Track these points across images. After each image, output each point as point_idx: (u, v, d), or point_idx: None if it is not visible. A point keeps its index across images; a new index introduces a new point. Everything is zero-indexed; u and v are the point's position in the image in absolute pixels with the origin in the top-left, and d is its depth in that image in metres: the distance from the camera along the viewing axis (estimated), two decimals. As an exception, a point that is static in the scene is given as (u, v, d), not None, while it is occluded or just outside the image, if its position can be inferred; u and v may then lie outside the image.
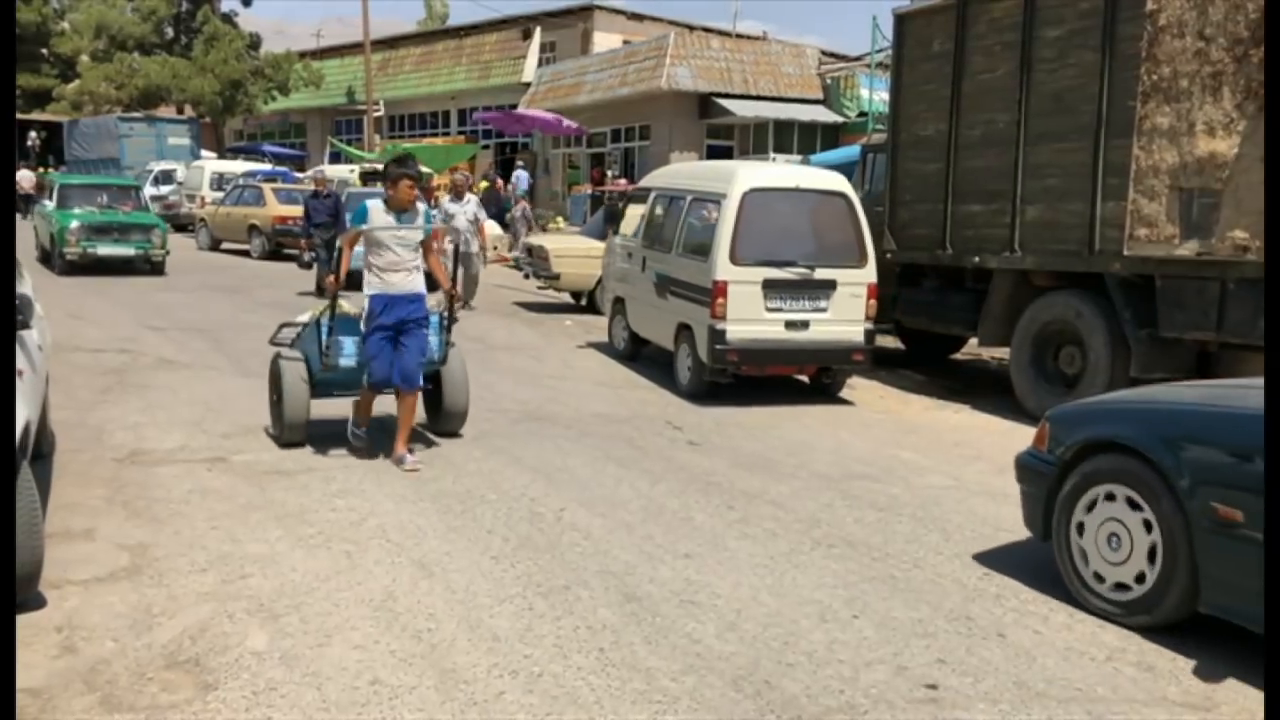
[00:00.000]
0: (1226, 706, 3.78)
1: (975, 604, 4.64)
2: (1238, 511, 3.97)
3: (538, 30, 34.18)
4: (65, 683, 3.64)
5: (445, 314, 7.11)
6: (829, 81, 28.14)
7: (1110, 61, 8.14)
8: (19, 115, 36.83)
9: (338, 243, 14.62)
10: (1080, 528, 4.62)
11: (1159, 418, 4.49)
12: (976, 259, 9.64)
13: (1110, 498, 4.50)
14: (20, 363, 4.74)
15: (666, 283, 9.59)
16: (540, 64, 33.47)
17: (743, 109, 26.66)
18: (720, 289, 8.59)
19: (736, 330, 8.61)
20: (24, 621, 4.09)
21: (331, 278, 6.85)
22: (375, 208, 6.61)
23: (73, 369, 8.96)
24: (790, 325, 8.77)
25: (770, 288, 8.68)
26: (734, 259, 8.60)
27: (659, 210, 10.22)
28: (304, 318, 7.20)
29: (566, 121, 26.93)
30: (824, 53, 30.18)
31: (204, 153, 32.26)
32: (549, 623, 4.26)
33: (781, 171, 10.95)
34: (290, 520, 5.44)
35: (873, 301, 9.01)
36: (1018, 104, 9.03)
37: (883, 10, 25.41)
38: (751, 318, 8.64)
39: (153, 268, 17.10)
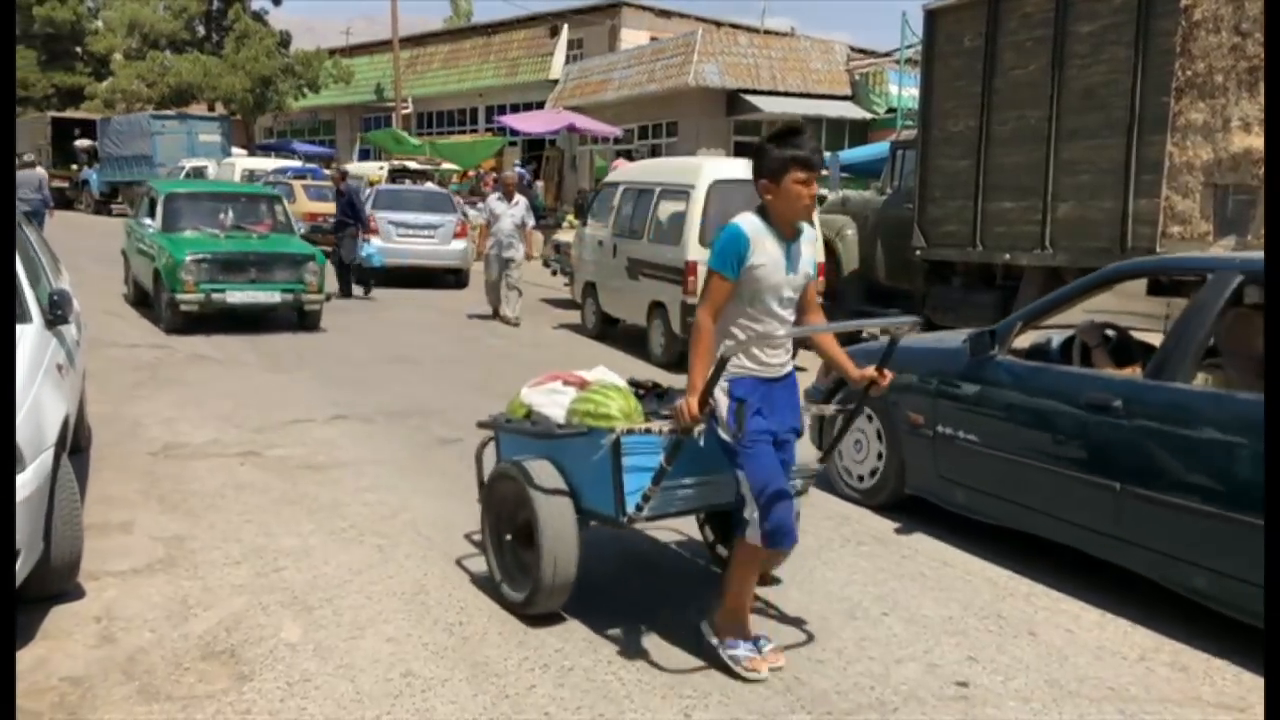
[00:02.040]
0: (1260, 708, 3.75)
1: (1006, 602, 4.63)
2: (920, 416, 5.52)
3: (565, 27, 34.20)
4: (104, 672, 3.71)
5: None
6: (857, 78, 28.00)
7: (1144, 57, 8.08)
8: (54, 114, 37.24)
9: (358, 242, 14.92)
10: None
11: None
12: (1007, 256, 9.59)
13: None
14: (59, 357, 4.82)
15: (639, 266, 10.75)
16: (568, 61, 33.50)
17: (770, 105, 26.57)
18: (691, 268, 9.60)
19: None
20: (64, 611, 4.17)
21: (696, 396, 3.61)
22: (757, 231, 3.77)
23: (108, 364, 9.07)
24: None
25: None
26: (703, 241, 9.52)
27: (628, 203, 11.28)
28: (563, 402, 4.34)
29: (605, 127, 26.93)
30: (852, 49, 30.02)
31: (235, 150, 32.52)
32: (579, 617, 4.27)
33: (741, 164, 12.48)
34: (322, 514, 5.49)
35: (820, 279, 9.44)
36: (1049, 100, 8.97)
37: (912, 6, 25.33)
38: None
39: (303, 319, 11.76)
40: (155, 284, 11.50)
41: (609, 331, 12.03)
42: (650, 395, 4.57)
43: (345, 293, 14.52)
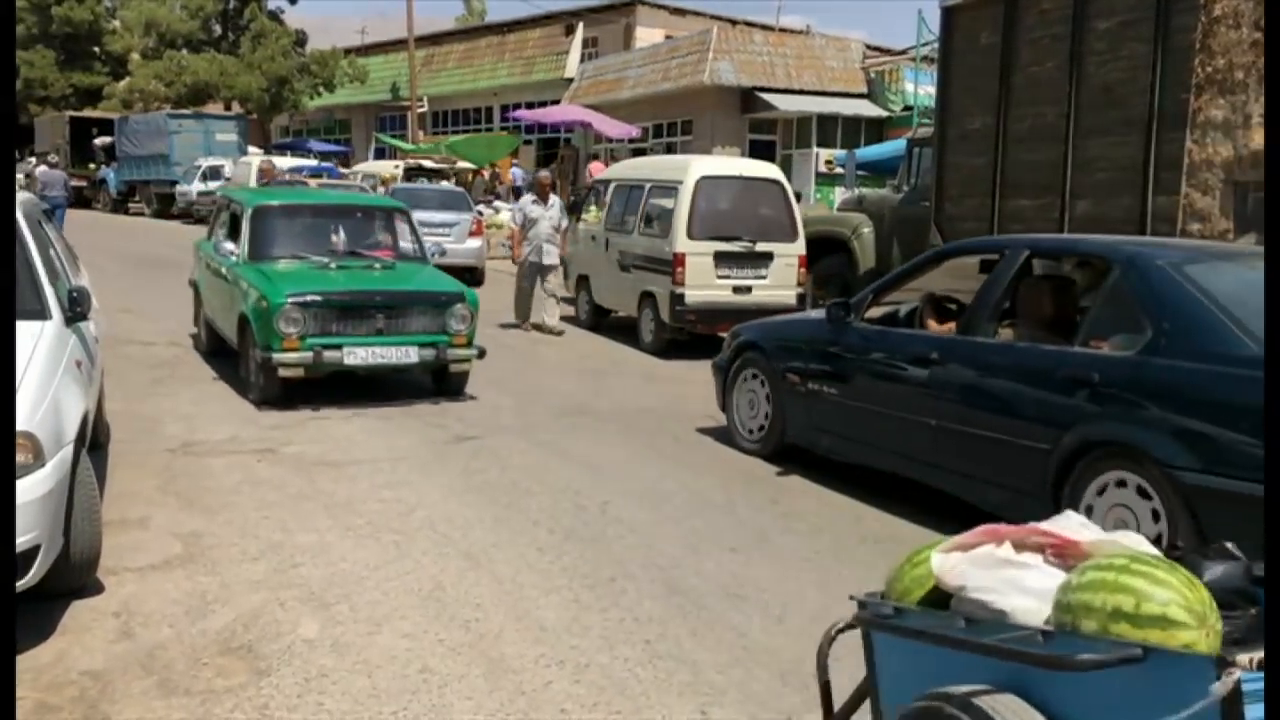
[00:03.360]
0: None
1: (1024, 601, 4.59)
2: (796, 376, 6.53)
3: (580, 26, 34.23)
4: (124, 666, 3.73)
5: None
6: (873, 75, 27.92)
7: (1163, 54, 8.02)
8: (72, 113, 37.45)
9: None
10: (735, 397, 7.01)
11: (771, 327, 7.19)
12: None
13: (751, 376, 6.95)
14: (78, 354, 4.85)
15: (629, 258, 11.20)
16: (583, 59, 33.52)
17: (786, 103, 26.52)
18: (679, 260, 10.26)
19: (693, 294, 10.31)
20: (83, 606, 4.20)
21: None
22: None
23: (126, 361, 9.12)
24: (737, 290, 10.50)
25: (720, 259, 10.39)
26: (690, 235, 10.28)
27: (620, 199, 11.76)
28: (1042, 585, 2.34)
29: (623, 126, 26.89)
30: (868, 46, 29.93)
31: (251, 149, 32.66)
32: (595, 614, 4.28)
33: (727, 162, 13.25)
34: (339, 511, 5.51)
35: (802, 270, 10.89)
36: (1067, 97, 8.91)
37: (928, 4, 25.22)
38: (705, 284, 10.34)
39: (443, 383, 8.43)
40: (241, 335, 8.19)
41: (601, 322, 12.43)
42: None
43: None
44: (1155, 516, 4.45)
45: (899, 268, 6.90)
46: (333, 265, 8.51)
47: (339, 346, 7.70)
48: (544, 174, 12.95)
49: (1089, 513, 4.51)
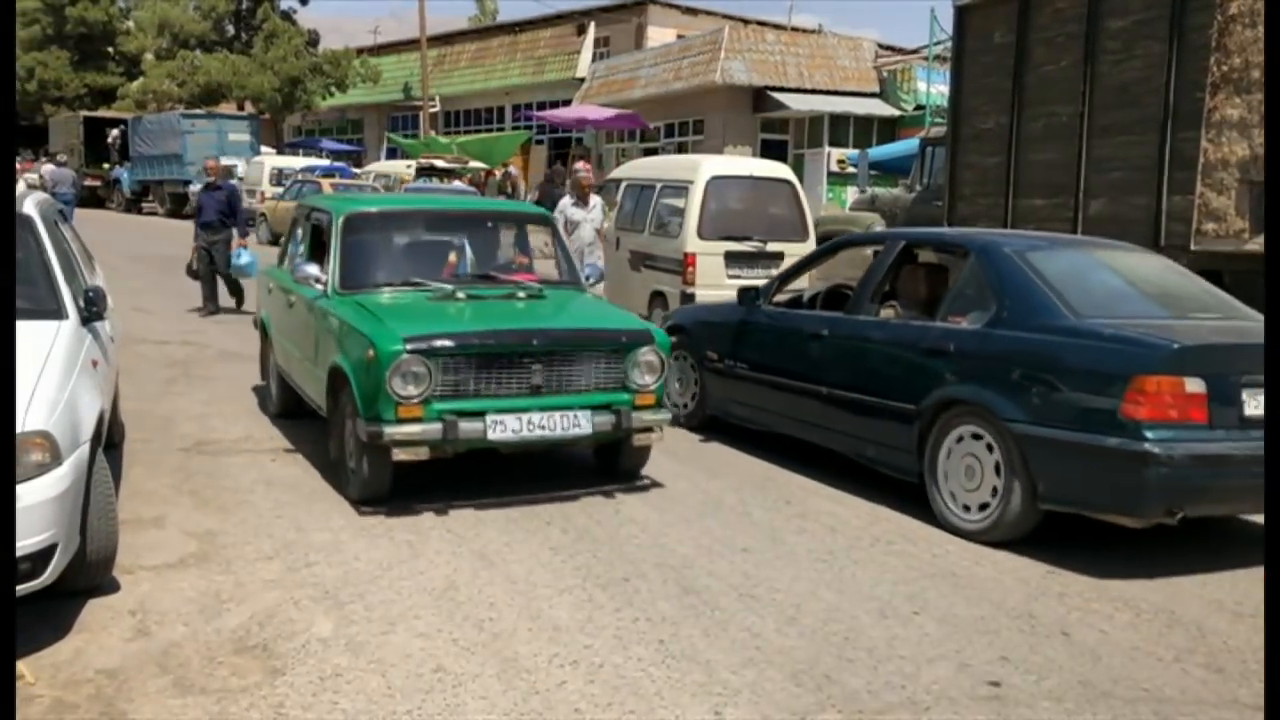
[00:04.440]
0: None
1: (1038, 602, 4.59)
2: (715, 354, 7.23)
3: (592, 25, 34.26)
4: (140, 665, 3.74)
5: None
6: (885, 74, 27.88)
7: (1178, 52, 8.00)
8: (86, 113, 37.64)
9: (233, 245, 12.05)
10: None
11: (696, 311, 8.11)
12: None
13: (681, 357, 7.46)
14: (95, 353, 4.87)
15: (640, 258, 11.16)
16: (594, 59, 33.56)
17: (797, 103, 26.50)
18: (690, 260, 10.23)
19: (704, 294, 10.13)
20: (99, 605, 4.21)
21: None
22: None
23: (140, 360, 9.16)
24: None
25: (730, 258, 10.36)
26: (701, 234, 10.25)
27: (630, 198, 11.75)
28: None
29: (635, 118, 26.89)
30: (880, 45, 29.91)
31: (263, 149, 32.79)
32: (609, 614, 4.28)
33: (738, 162, 13.15)
34: (353, 510, 5.52)
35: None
36: (1081, 96, 8.90)
37: (941, 3, 25.15)
38: (715, 283, 10.17)
39: (617, 460, 6.18)
40: (332, 398, 5.88)
41: None
42: None
43: (213, 307, 12.54)
44: (997, 469, 5.18)
45: (800, 259, 7.65)
46: (460, 295, 6.03)
47: (480, 413, 5.33)
48: (582, 173, 11.81)
49: (947, 459, 5.47)
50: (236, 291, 12.80)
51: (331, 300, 6.06)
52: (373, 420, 5.27)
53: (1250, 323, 5.51)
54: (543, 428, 5.43)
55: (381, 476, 5.45)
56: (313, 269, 6.34)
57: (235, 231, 12.41)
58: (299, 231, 7.48)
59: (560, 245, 7.05)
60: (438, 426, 5.26)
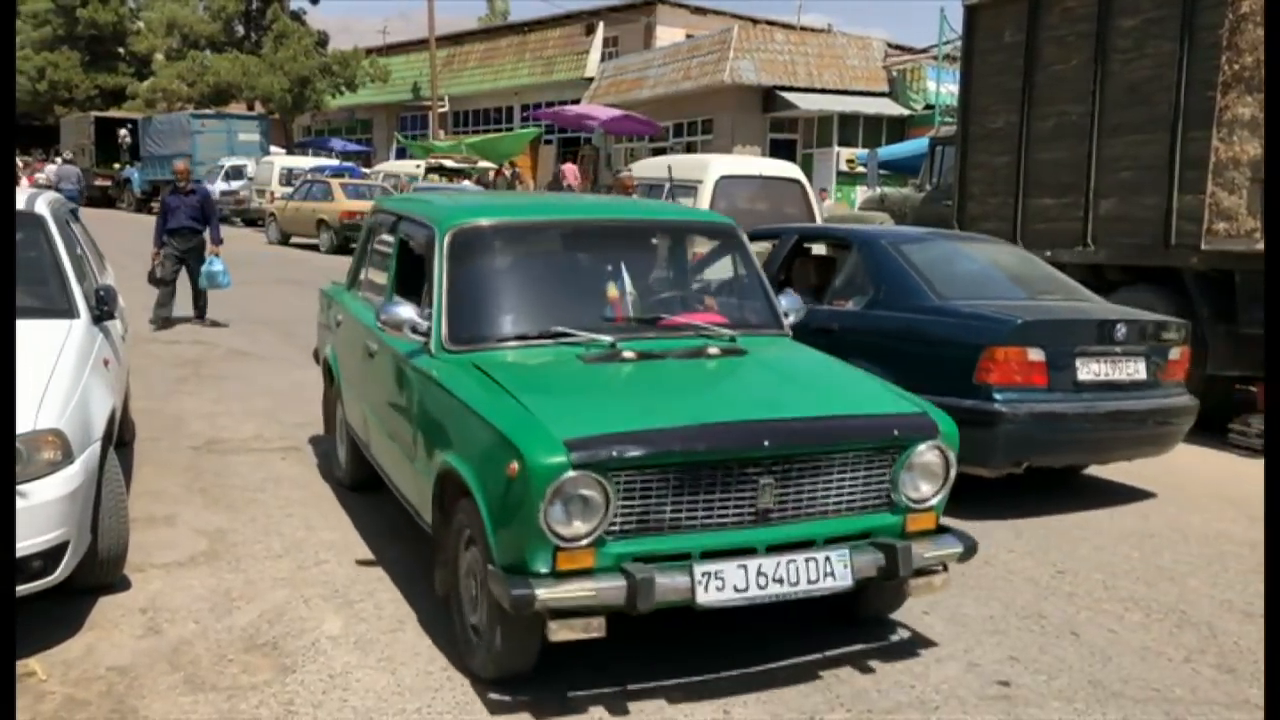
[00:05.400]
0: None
1: (1047, 602, 4.58)
2: None
3: (601, 25, 34.28)
4: (151, 662, 3.76)
5: None
6: (895, 74, 27.86)
7: (1189, 51, 7.96)
8: (97, 113, 37.79)
9: (205, 253, 10.92)
10: None
11: None
12: (1049, 253, 9.45)
13: None
14: (106, 352, 4.89)
15: None
16: (603, 59, 33.58)
17: (806, 102, 26.49)
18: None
19: None
20: (110, 602, 4.23)
21: None
22: None
23: (150, 360, 9.19)
24: None
25: None
26: None
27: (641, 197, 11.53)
28: None
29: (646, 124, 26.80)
30: (890, 45, 29.87)
31: (273, 149, 32.89)
32: (615, 615, 4.27)
33: (747, 161, 13.13)
34: (361, 509, 5.53)
35: None
36: (1091, 96, 8.86)
37: (951, 2, 25.14)
38: None
39: (847, 604, 4.08)
40: (440, 512, 3.95)
41: None
42: None
43: (166, 314, 11.47)
44: None
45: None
46: (628, 351, 4.09)
47: (683, 557, 3.44)
48: (625, 174, 10.75)
49: None
50: (201, 301, 11.67)
51: (438, 362, 4.10)
52: (516, 573, 3.31)
53: (1086, 303, 6.50)
54: (779, 581, 3.45)
55: (524, 651, 3.56)
56: (406, 312, 4.22)
57: (209, 238, 11.41)
58: (376, 244, 5.70)
59: (750, 267, 4.93)
60: (619, 586, 3.31)
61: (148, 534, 4.98)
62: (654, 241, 5.04)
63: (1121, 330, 5.88)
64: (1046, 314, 6.05)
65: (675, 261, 5.12)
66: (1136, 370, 5.95)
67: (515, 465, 3.29)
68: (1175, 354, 6.20)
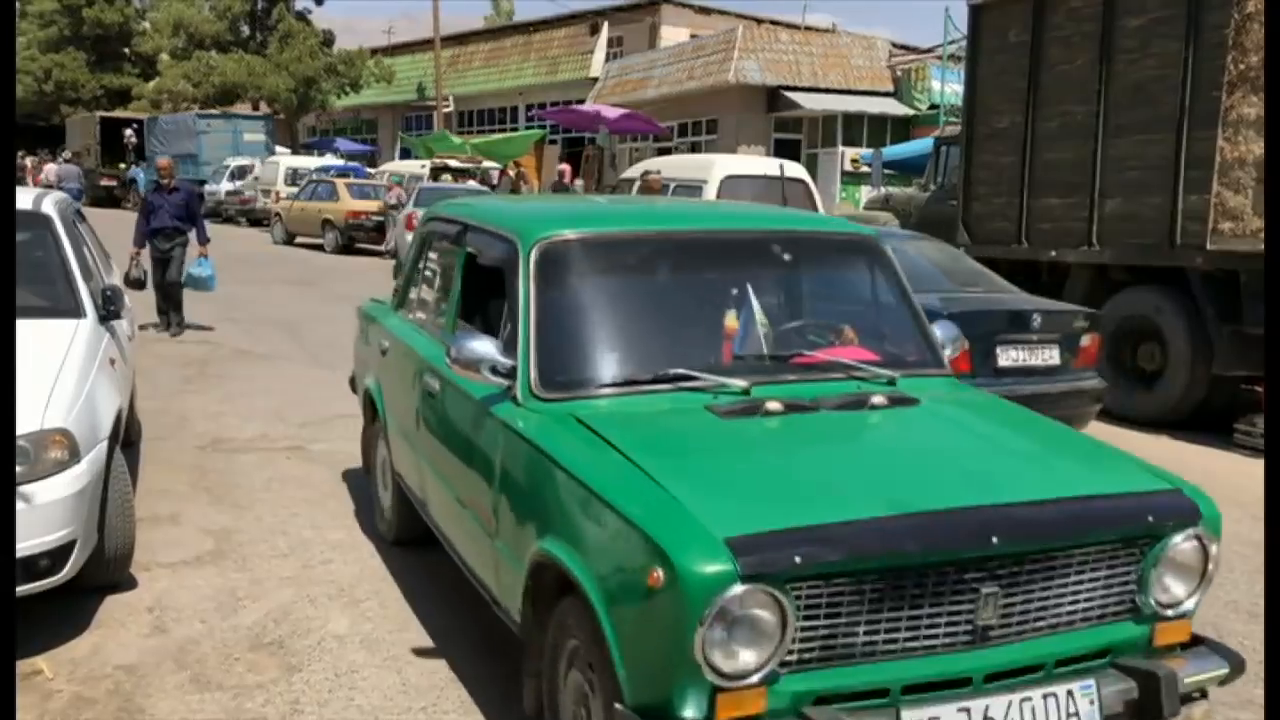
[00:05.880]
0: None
1: (1053, 602, 4.57)
2: None
3: (605, 25, 34.29)
4: (157, 661, 3.77)
5: None
6: (900, 74, 27.82)
7: (1194, 51, 7.94)
8: (103, 114, 37.87)
9: (185, 254, 10.37)
10: None
11: None
12: (1053, 253, 9.48)
13: None
14: (112, 352, 4.91)
15: None
16: (608, 59, 33.58)
17: (811, 102, 26.46)
18: None
19: None
20: (117, 601, 4.25)
21: None
22: None
23: (156, 359, 9.21)
24: None
25: None
26: None
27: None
28: None
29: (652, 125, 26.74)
30: (894, 45, 29.84)
31: (278, 149, 32.94)
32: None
33: (751, 161, 13.15)
34: (368, 508, 5.54)
35: None
36: (1097, 95, 8.85)
37: (956, 2, 25.14)
38: None
39: None
40: (532, 609, 3.08)
41: None
42: None
43: (167, 324, 10.99)
44: None
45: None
46: (772, 403, 3.18)
47: (882, 691, 2.54)
48: (653, 175, 10.23)
49: None
50: (177, 307, 11.16)
51: (529, 413, 3.23)
52: (655, 718, 2.45)
53: (1008, 295, 7.02)
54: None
55: None
56: (484, 347, 3.33)
57: (195, 238, 10.89)
58: (434, 257, 4.77)
59: (898, 287, 3.95)
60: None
61: (154, 533, 4.99)
62: (786, 257, 3.92)
63: (1037, 319, 6.37)
64: (972, 304, 6.42)
65: (807, 281, 4.07)
66: (1051, 356, 6.43)
67: (659, 573, 2.40)
68: (1085, 340, 6.64)
